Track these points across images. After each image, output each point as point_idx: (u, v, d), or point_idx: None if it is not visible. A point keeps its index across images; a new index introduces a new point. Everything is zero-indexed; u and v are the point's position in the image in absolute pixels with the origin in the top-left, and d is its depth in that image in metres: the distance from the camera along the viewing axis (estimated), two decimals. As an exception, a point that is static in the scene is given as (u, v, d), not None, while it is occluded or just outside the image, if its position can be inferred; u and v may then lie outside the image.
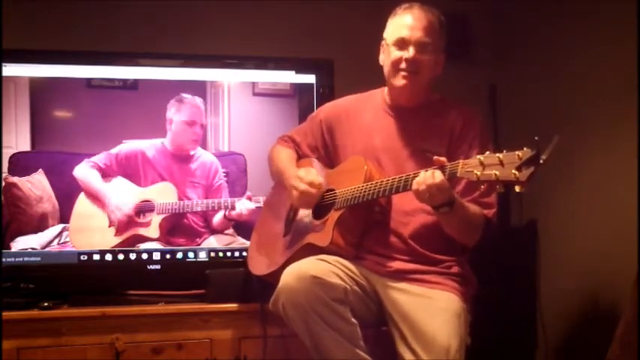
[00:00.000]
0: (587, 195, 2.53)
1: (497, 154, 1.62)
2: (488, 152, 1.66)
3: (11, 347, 2.21)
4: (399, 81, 2.08)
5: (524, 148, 1.57)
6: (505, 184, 1.61)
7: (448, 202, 1.85)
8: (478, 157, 1.67)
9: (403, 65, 2.05)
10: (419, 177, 1.82)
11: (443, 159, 1.81)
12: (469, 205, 1.97)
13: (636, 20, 2.20)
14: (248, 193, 2.66)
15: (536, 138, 1.54)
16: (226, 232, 2.67)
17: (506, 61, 3.07)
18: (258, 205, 2.61)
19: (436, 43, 2.07)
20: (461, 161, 1.73)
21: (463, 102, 2.17)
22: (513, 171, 1.57)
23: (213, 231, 2.67)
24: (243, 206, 2.63)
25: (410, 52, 2.04)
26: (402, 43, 2.05)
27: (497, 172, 1.60)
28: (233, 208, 2.64)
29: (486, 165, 1.64)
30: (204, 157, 2.67)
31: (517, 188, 1.58)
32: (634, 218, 2.17)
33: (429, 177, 1.79)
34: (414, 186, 1.82)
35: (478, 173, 1.65)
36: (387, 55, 2.10)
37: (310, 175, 2.07)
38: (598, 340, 2.09)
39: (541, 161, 1.54)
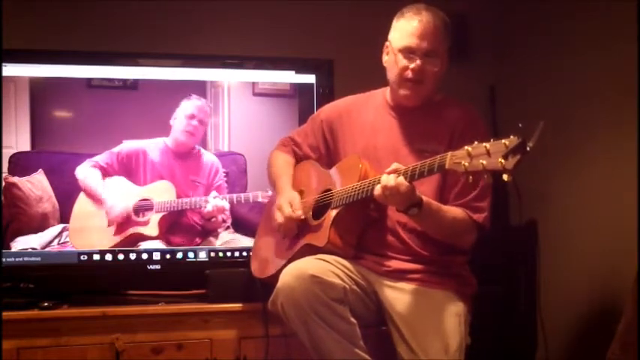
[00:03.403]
0: (587, 195, 2.53)
1: (484, 144, 1.60)
2: (476, 142, 1.63)
3: (11, 347, 2.21)
4: (404, 91, 2.08)
5: (511, 136, 1.55)
6: (492, 173, 1.59)
7: (415, 204, 1.86)
8: (466, 147, 1.64)
9: (409, 75, 2.04)
10: (381, 182, 1.83)
11: (397, 167, 1.83)
12: (449, 208, 1.97)
13: (636, 20, 2.20)
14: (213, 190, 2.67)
15: (520, 125, 1.52)
16: (228, 231, 2.67)
17: (506, 61, 3.07)
18: (259, 201, 2.61)
19: (442, 49, 2.05)
20: (449, 153, 1.71)
21: (465, 102, 2.17)
22: (500, 159, 1.54)
23: (207, 232, 2.67)
24: (214, 204, 2.64)
25: (417, 62, 2.02)
26: (409, 52, 2.03)
27: (484, 162, 1.58)
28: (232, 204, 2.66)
29: (474, 155, 1.61)
30: (205, 157, 2.68)
31: (505, 177, 1.55)
32: (634, 218, 2.18)
33: (385, 180, 1.82)
34: (375, 191, 1.85)
35: (466, 164, 1.62)
36: (393, 62, 2.08)
37: (292, 206, 2.08)
38: (598, 340, 2.09)
39: (528, 148, 1.51)
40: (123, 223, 2.61)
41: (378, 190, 1.84)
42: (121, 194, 2.61)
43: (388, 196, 1.83)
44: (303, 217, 2.09)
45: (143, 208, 2.63)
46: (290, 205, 2.08)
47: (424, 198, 1.89)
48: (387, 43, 2.12)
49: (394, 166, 1.86)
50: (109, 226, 2.61)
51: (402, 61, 2.04)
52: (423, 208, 1.88)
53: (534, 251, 2.76)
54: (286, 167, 2.26)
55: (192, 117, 2.65)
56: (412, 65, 2.03)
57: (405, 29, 2.04)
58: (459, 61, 2.88)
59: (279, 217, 2.10)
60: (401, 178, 1.81)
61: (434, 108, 2.12)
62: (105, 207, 2.61)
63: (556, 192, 2.69)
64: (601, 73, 2.45)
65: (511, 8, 3.02)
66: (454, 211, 1.98)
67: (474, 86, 3.04)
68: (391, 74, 2.10)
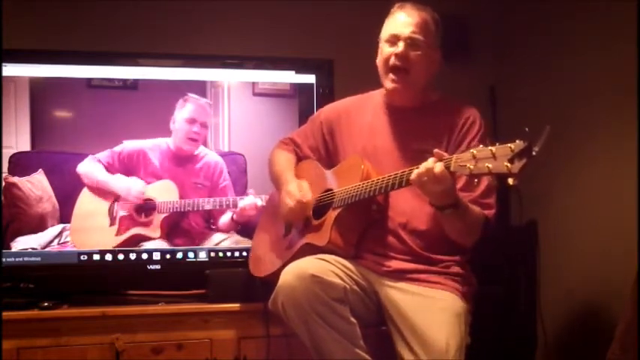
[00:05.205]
0: (587, 195, 2.53)
1: (490, 147, 1.60)
2: (481, 145, 1.64)
3: (11, 347, 2.21)
4: (389, 84, 2.08)
5: (517, 140, 1.55)
6: (498, 177, 1.59)
7: (453, 204, 1.85)
8: (471, 150, 1.65)
9: (393, 60, 2.05)
10: (420, 167, 1.78)
11: (442, 153, 1.78)
12: (472, 207, 1.96)
13: (636, 20, 2.20)
14: (250, 190, 2.65)
15: (526, 129, 1.52)
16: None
17: (506, 61, 3.07)
18: (262, 203, 2.61)
19: (429, 40, 2.06)
20: (454, 155, 1.71)
21: (464, 101, 2.17)
22: (506, 163, 1.54)
23: (218, 231, 2.66)
24: (247, 202, 2.63)
25: (399, 47, 2.03)
26: (393, 39, 2.06)
27: (489, 165, 1.58)
28: (235, 206, 2.64)
29: (479, 158, 1.62)
30: (208, 157, 2.67)
31: (510, 181, 1.55)
32: (634, 218, 2.18)
33: (429, 164, 1.76)
34: (413, 176, 1.79)
35: (471, 167, 1.63)
36: (380, 53, 2.10)
37: (301, 191, 2.08)
38: (598, 340, 2.09)
39: (534, 153, 1.51)
40: (125, 222, 2.60)
41: (414, 174, 1.78)
42: (129, 182, 2.61)
43: (425, 183, 1.77)
44: (312, 201, 2.08)
45: (146, 207, 2.62)
46: (299, 189, 2.08)
47: (462, 200, 1.88)
48: (379, 43, 2.13)
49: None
50: (110, 226, 2.60)
51: (387, 49, 2.06)
52: (459, 209, 1.86)
53: (534, 251, 2.76)
54: (289, 164, 2.26)
55: (192, 121, 2.64)
56: (396, 51, 2.03)
57: (391, 21, 2.09)
58: (459, 62, 2.89)
59: (289, 202, 2.09)
60: (439, 164, 1.74)
61: (431, 108, 2.12)
62: (120, 194, 2.60)
63: (556, 192, 2.69)
64: (601, 73, 2.45)
65: (511, 8, 3.02)
66: (474, 208, 1.96)
67: (474, 86, 3.04)
68: (379, 69, 2.11)
